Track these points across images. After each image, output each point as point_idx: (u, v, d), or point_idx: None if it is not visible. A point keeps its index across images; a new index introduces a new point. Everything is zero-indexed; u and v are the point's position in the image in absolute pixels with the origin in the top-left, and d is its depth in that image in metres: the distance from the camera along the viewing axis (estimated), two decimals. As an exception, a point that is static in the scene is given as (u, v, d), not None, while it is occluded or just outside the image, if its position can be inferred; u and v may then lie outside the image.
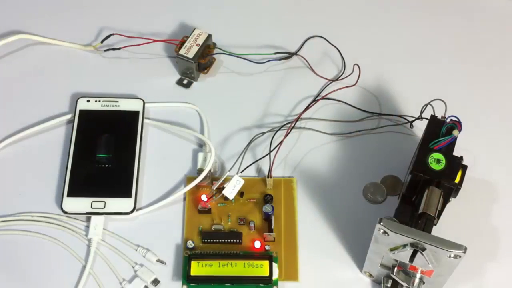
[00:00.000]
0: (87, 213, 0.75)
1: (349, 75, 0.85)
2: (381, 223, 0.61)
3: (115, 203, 0.75)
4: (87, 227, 0.74)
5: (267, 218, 0.75)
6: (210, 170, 0.76)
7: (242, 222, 0.75)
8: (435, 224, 0.68)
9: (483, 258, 0.73)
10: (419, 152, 0.69)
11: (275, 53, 0.86)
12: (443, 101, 0.71)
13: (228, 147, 0.80)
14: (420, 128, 0.79)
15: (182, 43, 0.84)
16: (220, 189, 0.74)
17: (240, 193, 0.76)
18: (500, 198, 0.77)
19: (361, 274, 0.73)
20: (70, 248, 0.74)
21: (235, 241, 0.73)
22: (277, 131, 0.80)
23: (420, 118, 0.77)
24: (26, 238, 0.74)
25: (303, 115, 0.81)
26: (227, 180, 0.75)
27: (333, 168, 0.79)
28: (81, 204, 0.75)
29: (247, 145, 0.79)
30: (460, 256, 0.60)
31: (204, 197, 0.74)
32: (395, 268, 0.66)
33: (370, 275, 0.72)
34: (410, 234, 0.61)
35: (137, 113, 0.81)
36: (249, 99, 0.84)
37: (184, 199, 0.77)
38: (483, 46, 0.89)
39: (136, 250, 0.74)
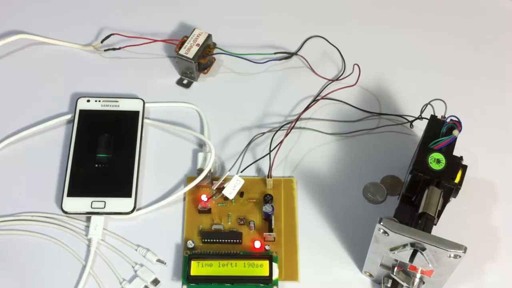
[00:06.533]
0: (87, 213, 0.75)
1: (349, 75, 0.85)
2: (381, 223, 0.61)
3: (115, 203, 0.75)
4: (87, 227, 0.74)
5: (267, 218, 0.75)
6: (210, 170, 0.76)
7: (242, 222, 0.75)
8: (435, 224, 0.68)
9: (483, 258, 0.73)
10: (419, 152, 0.69)
11: (275, 53, 0.86)
12: (443, 101, 0.71)
13: (228, 147, 0.80)
14: (420, 128, 0.79)
15: (182, 43, 0.84)
16: (220, 189, 0.74)
17: (240, 193, 0.76)
18: (500, 198, 0.77)
19: (361, 274, 0.73)
20: (70, 248, 0.74)
21: (235, 241, 0.73)
22: (277, 131, 0.80)
23: (420, 118, 0.77)
24: (26, 238, 0.74)
25: (303, 115, 0.81)
26: (227, 180, 0.75)
27: (333, 168, 0.79)
28: (81, 204, 0.75)
29: (247, 145, 0.79)
30: (460, 256, 0.60)
31: (204, 197, 0.74)
32: (395, 268, 0.66)
33: (370, 275, 0.72)
34: (410, 234, 0.61)
35: (137, 113, 0.81)
36: (249, 99, 0.84)
37: (184, 199, 0.77)
38: (483, 46, 0.89)
39: (136, 250, 0.74)
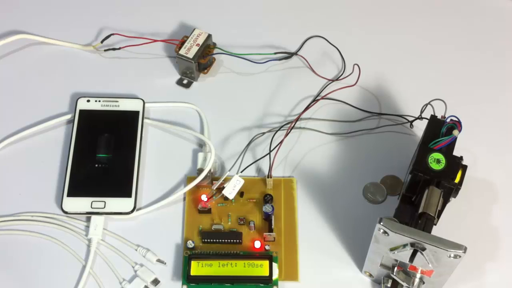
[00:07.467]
0: (87, 213, 0.75)
1: (349, 75, 0.85)
2: (381, 223, 0.61)
3: (115, 203, 0.75)
4: (87, 227, 0.74)
5: (267, 218, 0.75)
6: (210, 170, 0.76)
7: (242, 222, 0.75)
8: (435, 224, 0.68)
9: (483, 258, 0.73)
10: (419, 152, 0.69)
11: (275, 53, 0.86)
12: (443, 101, 0.71)
13: (228, 147, 0.80)
14: (420, 128, 0.79)
15: (182, 43, 0.84)
16: (220, 189, 0.74)
17: (240, 193, 0.76)
18: (500, 198, 0.77)
19: (361, 274, 0.73)
20: (70, 248, 0.74)
21: (235, 241, 0.73)
22: (277, 131, 0.80)
23: (420, 118, 0.77)
24: (26, 238, 0.74)
25: (303, 115, 0.81)
26: (227, 180, 0.75)
27: (333, 168, 0.79)
28: (81, 204, 0.75)
29: (247, 145, 0.79)
30: (460, 256, 0.60)
31: (204, 197, 0.74)
32: (395, 268, 0.66)
33: (370, 275, 0.72)
34: (410, 234, 0.61)
35: (137, 113, 0.81)
36: (249, 99, 0.84)
37: (184, 199, 0.77)
38: (483, 46, 0.89)
39: (136, 250, 0.74)
